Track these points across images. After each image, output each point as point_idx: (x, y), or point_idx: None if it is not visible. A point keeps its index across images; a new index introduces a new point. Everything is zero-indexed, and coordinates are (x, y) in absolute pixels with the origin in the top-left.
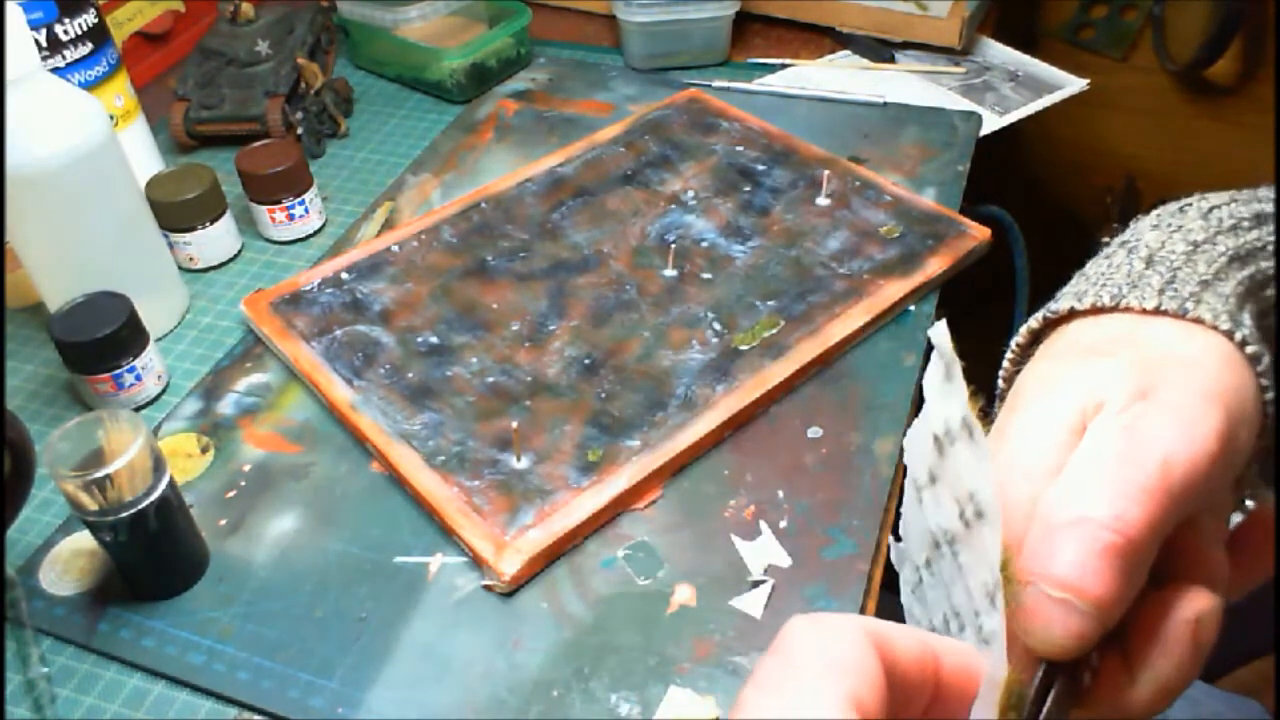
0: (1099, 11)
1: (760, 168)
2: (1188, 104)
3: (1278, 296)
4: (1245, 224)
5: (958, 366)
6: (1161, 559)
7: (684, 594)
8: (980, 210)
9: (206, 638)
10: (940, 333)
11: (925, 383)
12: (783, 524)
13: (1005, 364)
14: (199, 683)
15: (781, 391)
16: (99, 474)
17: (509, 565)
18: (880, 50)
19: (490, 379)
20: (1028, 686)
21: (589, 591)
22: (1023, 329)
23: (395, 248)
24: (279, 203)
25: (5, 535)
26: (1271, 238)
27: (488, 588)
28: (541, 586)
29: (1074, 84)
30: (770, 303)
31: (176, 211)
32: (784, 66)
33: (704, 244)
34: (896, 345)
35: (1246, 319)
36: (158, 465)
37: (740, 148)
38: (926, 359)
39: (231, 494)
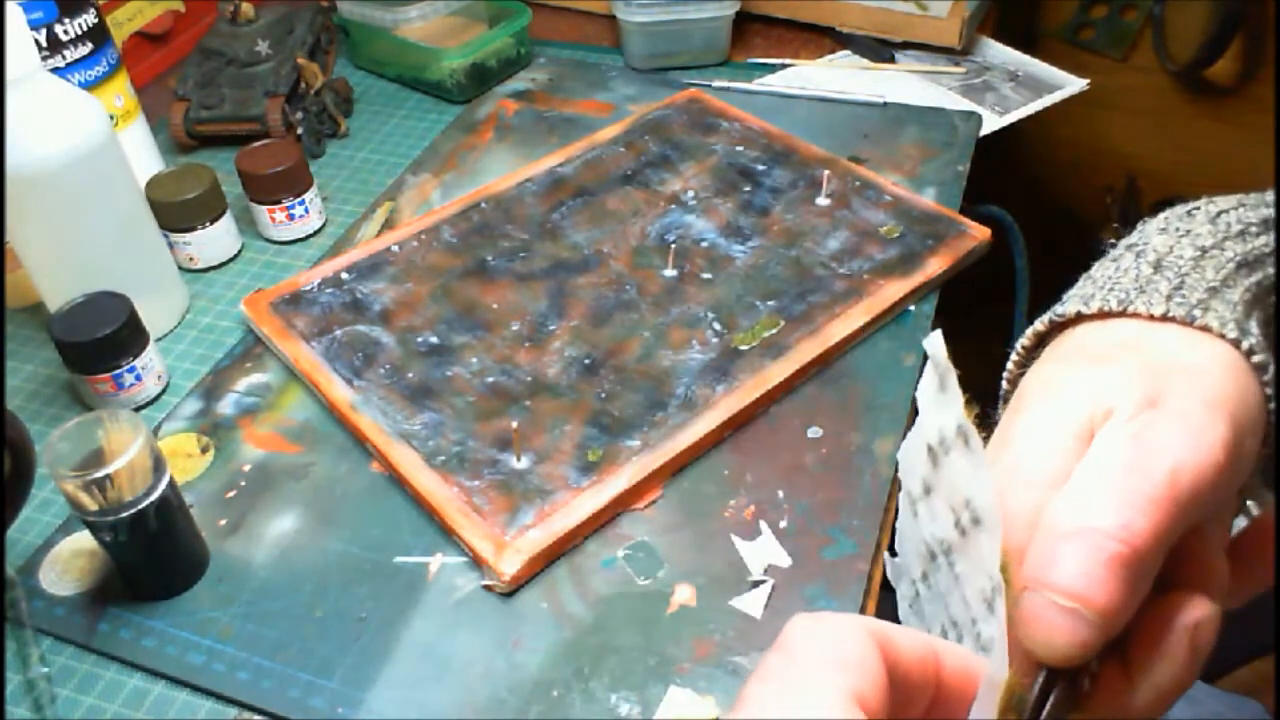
0: (1099, 11)
1: (760, 168)
2: (1188, 104)
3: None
4: (1253, 229)
5: (953, 376)
6: (1164, 564)
7: (684, 594)
8: (980, 210)
9: (206, 638)
10: (935, 343)
11: (919, 393)
12: (783, 524)
13: (1010, 366)
14: (199, 683)
15: (781, 391)
16: (99, 474)
17: (509, 565)
18: (880, 50)
19: (490, 379)
20: (1028, 691)
21: (589, 591)
22: (1028, 331)
23: (395, 248)
24: (279, 203)
25: (5, 535)
26: None
27: (488, 588)
28: (541, 586)
29: (1074, 84)
30: (770, 303)
31: (176, 211)
32: (784, 66)
33: (704, 244)
34: (896, 345)
35: (1253, 327)
36: (158, 465)
37: (740, 148)
38: (926, 359)
39: (231, 494)
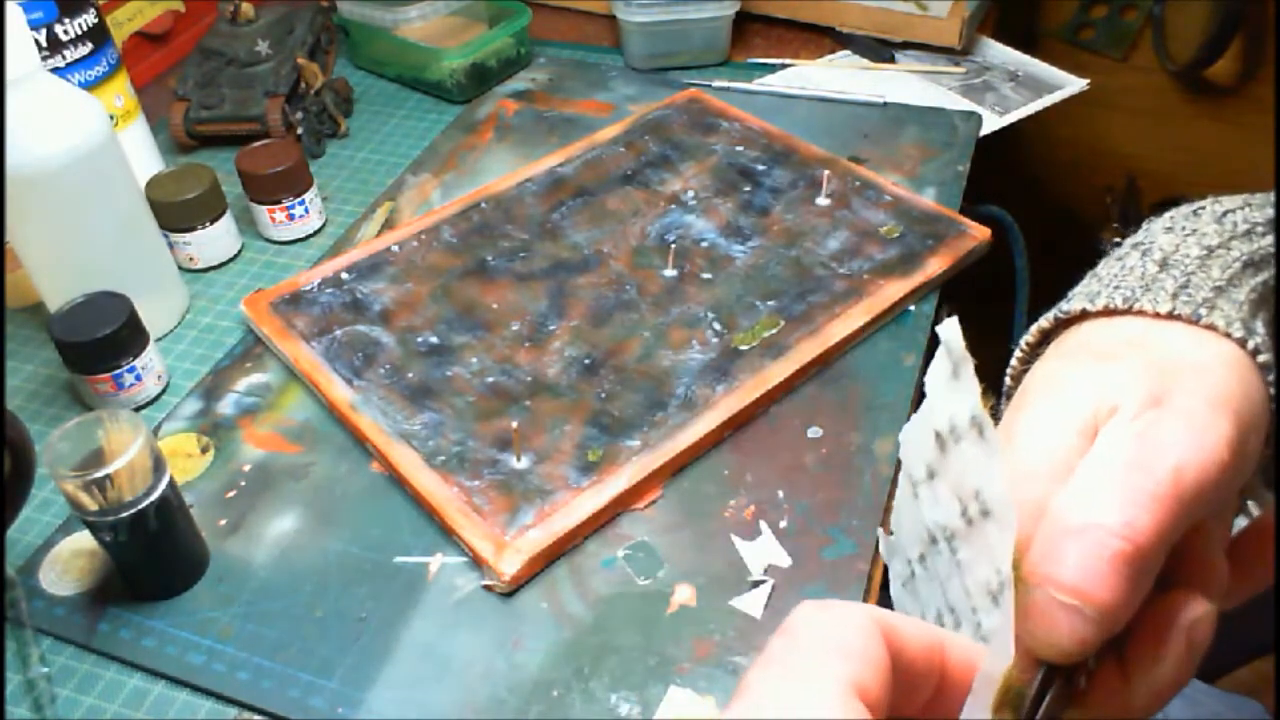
0: (1099, 11)
1: (760, 168)
2: (1188, 104)
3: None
4: (1259, 229)
5: (969, 364)
6: (1164, 562)
7: (684, 594)
8: (980, 210)
9: (206, 638)
10: (951, 330)
11: (929, 378)
12: (783, 524)
13: (1014, 362)
14: (199, 683)
15: (781, 391)
16: (99, 474)
17: (509, 565)
18: (880, 50)
19: (490, 379)
20: (1026, 685)
21: (589, 591)
22: (1033, 328)
23: (395, 248)
24: (279, 203)
25: (5, 535)
26: None
27: (488, 588)
28: (541, 586)
29: (1074, 84)
30: (770, 303)
31: (176, 211)
32: (784, 66)
33: (704, 244)
34: (896, 345)
35: (1259, 326)
36: (158, 465)
37: (740, 148)
38: (927, 359)
39: (231, 494)
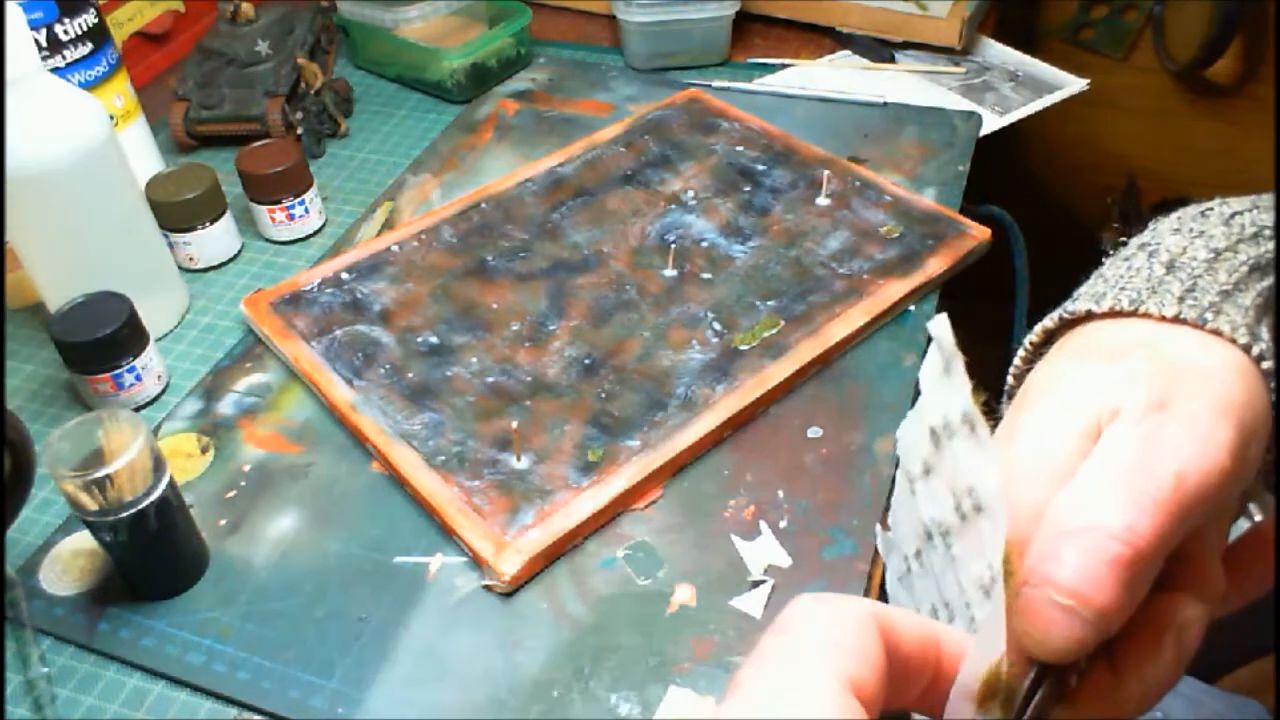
0: (1099, 11)
1: (760, 168)
2: (1188, 104)
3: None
4: (1267, 233)
5: (959, 361)
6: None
7: (684, 594)
8: (980, 210)
9: (206, 638)
10: (941, 326)
11: (922, 375)
12: (783, 524)
13: (1017, 361)
14: (199, 683)
15: (781, 391)
16: (99, 474)
17: (509, 565)
18: (880, 50)
19: (490, 379)
20: (1016, 680)
21: (589, 591)
22: (1037, 327)
23: (395, 248)
24: (279, 203)
25: (5, 535)
26: None
27: (488, 588)
28: (541, 586)
29: (1074, 84)
30: (770, 303)
31: (176, 211)
32: (784, 66)
33: (704, 244)
34: (896, 345)
35: (1264, 332)
36: (158, 465)
37: (740, 148)
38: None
39: (231, 494)
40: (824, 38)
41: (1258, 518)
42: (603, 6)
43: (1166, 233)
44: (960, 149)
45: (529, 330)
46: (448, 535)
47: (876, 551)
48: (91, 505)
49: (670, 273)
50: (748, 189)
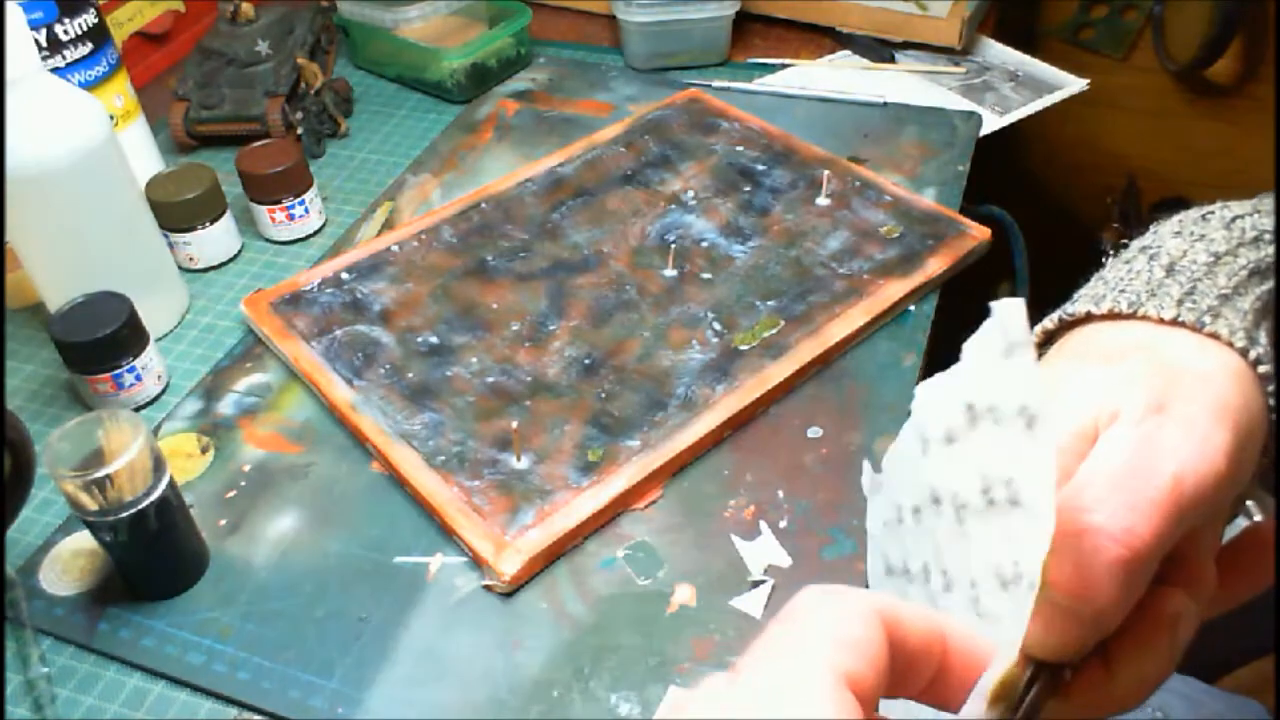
0: (1099, 11)
1: (760, 168)
2: (1188, 104)
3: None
4: (1267, 237)
5: (1030, 351)
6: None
7: (684, 594)
8: (980, 210)
9: (206, 638)
10: (1013, 311)
11: (970, 346)
12: (783, 524)
13: None
14: (199, 683)
15: (781, 391)
16: (99, 474)
17: (509, 565)
18: (880, 50)
19: (490, 379)
20: (1019, 679)
21: (589, 591)
22: (1037, 329)
23: (395, 248)
24: (279, 203)
25: (5, 535)
26: None
27: (488, 588)
28: (541, 586)
29: (1074, 84)
30: (770, 303)
31: (176, 211)
32: (784, 66)
33: (704, 244)
34: (896, 345)
35: (1262, 337)
36: (158, 465)
37: (740, 148)
38: (927, 359)
39: (231, 494)
40: (824, 38)
41: (1257, 518)
42: (603, 6)
43: (1167, 235)
44: (960, 149)
45: (529, 330)
46: (448, 535)
47: None
48: (91, 505)
49: (670, 273)
50: (748, 189)
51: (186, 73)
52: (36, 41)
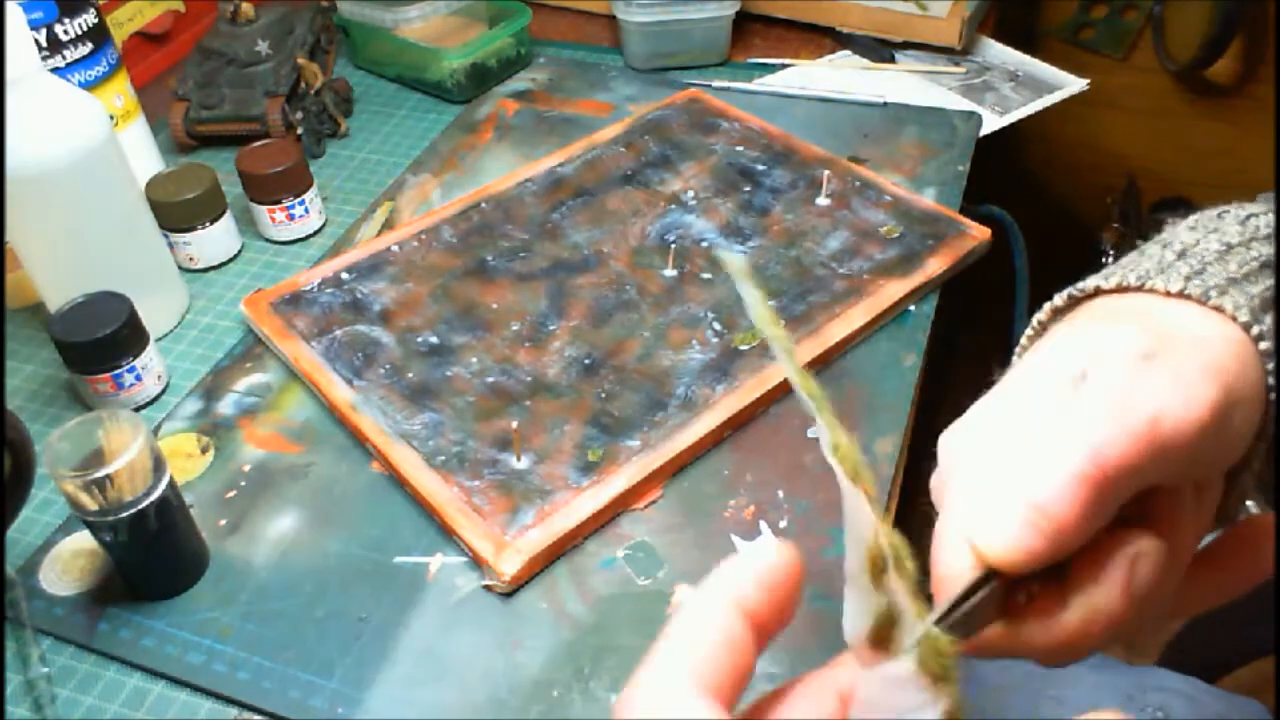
0: (1099, 11)
1: (760, 168)
2: (1188, 104)
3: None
4: None
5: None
6: (1130, 521)
7: (684, 594)
8: (980, 210)
9: (206, 638)
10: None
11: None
12: (783, 524)
13: (1023, 340)
14: (199, 683)
15: (781, 391)
16: (99, 474)
17: (509, 565)
18: (880, 50)
19: (490, 379)
20: (881, 552)
21: (589, 591)
22: (1046, 306)
23: (395, 248)
24: (279, 203)
25: (5, 535)
26: None
27: (488, 588)
28: (541, 586)
29: (1074, 84)
30: (770, 303)
31: (176, 211)
32: (784, 66)
33: (704, 244)
34: (896, 345)
35: (1267, 320)
36: (158, 465)
37: (740, 148)
38: (927, 359)
39: (231, 494)
40: (824, 38)
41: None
42: (603, 6)
43: (1183, 230)
44: (960, 149)
45: (529, 330)
46: (448, 535)
47: None
48: (91, 505)
49: (670, 273)
50: (748, 189)
51: (186, 73)
52: (36, 41)
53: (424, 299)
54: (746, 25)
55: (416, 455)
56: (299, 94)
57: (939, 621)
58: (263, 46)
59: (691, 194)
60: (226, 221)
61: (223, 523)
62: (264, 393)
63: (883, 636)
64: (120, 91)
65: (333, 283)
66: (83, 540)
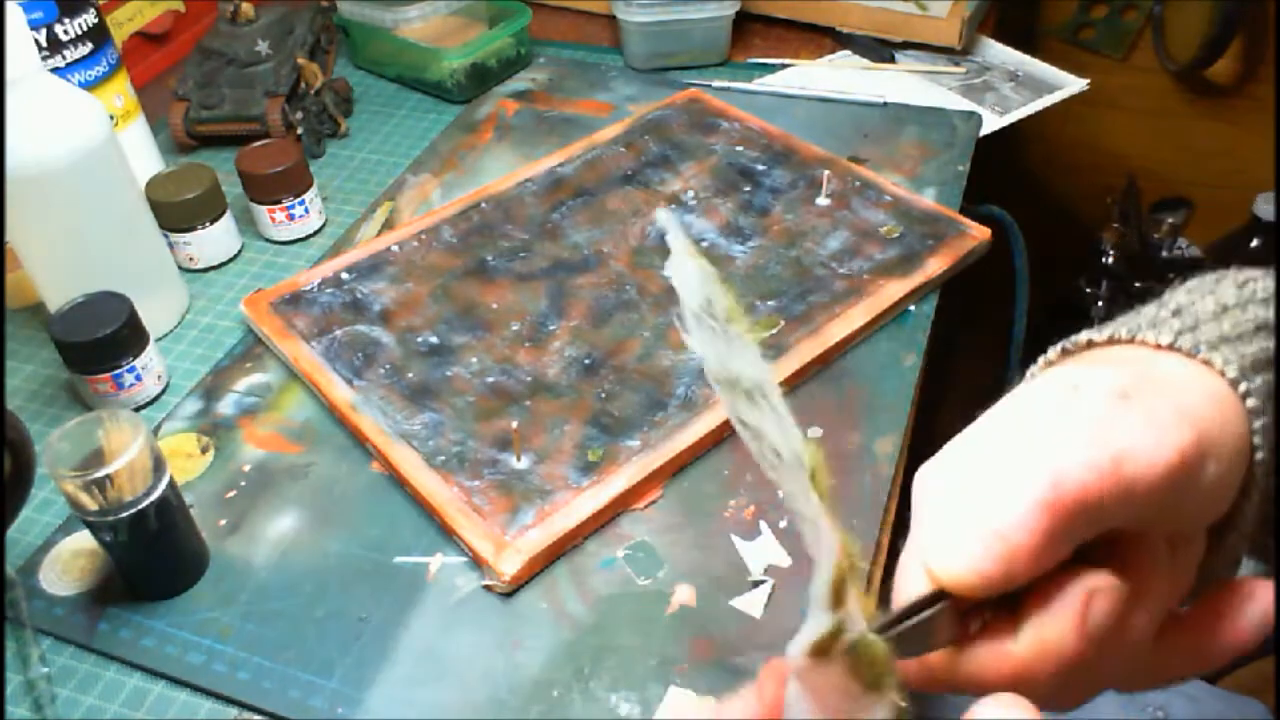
0: (1099, 11)
1: (760, 168)
2: (1188, 104)
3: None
4: None
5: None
6: (1098, 565)
7: (684, 594)
8: (980, 210)
9: (206, 638)
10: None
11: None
12: (783, 524)
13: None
14: (199, 683)
15: (781, 391)
16: (99, 474)
17: (509, 565)
18: (880, 50)
19: (490, 379)
20: (845, 575)
21: (589, 591)
22: (1039, 360)
23: (395, 248)
24: (279, 203)
25: (5, 535)
26: None
27: (488, 588)
28: (541, 586)
29: (1074, 84)
30: (770, 303)
31: (176, 211)
32: (784, 66)
33: (704, 244)
34: (896, 345)
35: (1257, 380)
36: (158, 465)
37: (740, 148)
38: (927, 358)
39: (231, 494)
40: (824, 38)
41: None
42: (603, 6)
43: (1180, 292)
44: (960, 149)
45: (529, 330)
46: (448, 535)
47: (877, 551)
48: (91, 505)
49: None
50: (748, 189)
51: (186, 73)
52: (36, 41)
53: (424, 299)
54: (746, 25)
55: (416, 455)
56: (299, 94)
57: (880, 631)
58: (263, 46)
59: (691, 194)
60: (226, 221)
61: (223, 523)
62: (264, 393)
63: (825, 648)
64: (120, 91)
65: (333, 283)
66: (83, 540)
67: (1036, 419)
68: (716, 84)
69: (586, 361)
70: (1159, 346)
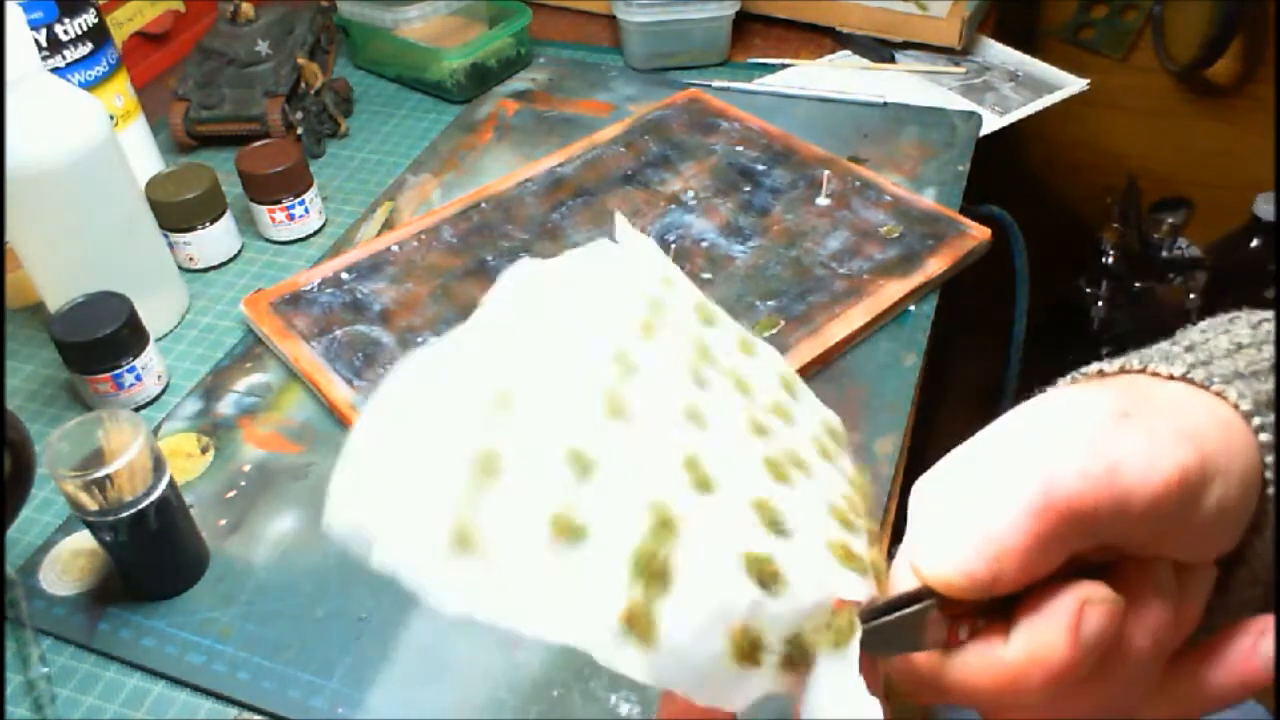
0: (1099, 11)
1: (760, 168)
2: (1188, 104)
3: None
4: None
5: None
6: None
7: None
8: (980, 210)
9: (206, 638)
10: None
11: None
12: None
13: None
14: (199, 683)
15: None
16: (99, 474)
17: None
18: (880, 50)
19: None
20: (878, 559)
21: None
22: (1049, 389)
23: (395, 248)
24: (279, 203)
25: (5, 535)
26: None
27: None
28: None
29: (1074, 84)
30: (770, 303)
31: (176, 211)
32: (784, 66)
33: (704, 244)
34: (896, 345)
35: (1271, 417)
36: (158, 465)
37: (740, 148)
38: (927, 358)
39: (231, 494)
40: (824, 38)
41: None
42: (603, 6)
43: (1194, 331)
44: (960, 149)
45: None
46: None
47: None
48: (91, 505)
49: None
50: (748, 189)
51: (186, 73)
52: (36, 41)
53: (424, 299)
54: (746, 25)
55: None
56: (299, 94)
57: (864, 620)
58: (263, 46)
59: (691, 194)
60: (226, 221)
61: (223, 523)
62: (264, 393)
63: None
64: (120, 91)
65: (333, 283)
66: (83, 540)
67: (1033, 432)
68: (716, 84)
69: None
70: (1171, 377)
